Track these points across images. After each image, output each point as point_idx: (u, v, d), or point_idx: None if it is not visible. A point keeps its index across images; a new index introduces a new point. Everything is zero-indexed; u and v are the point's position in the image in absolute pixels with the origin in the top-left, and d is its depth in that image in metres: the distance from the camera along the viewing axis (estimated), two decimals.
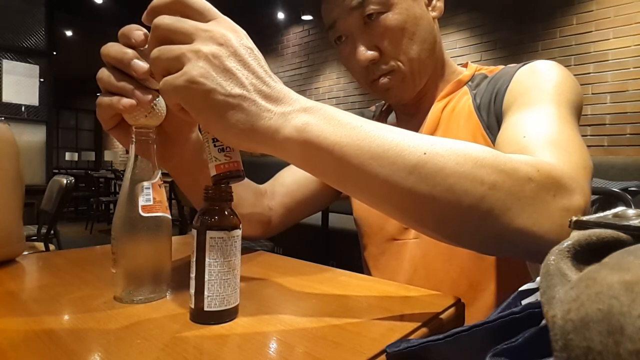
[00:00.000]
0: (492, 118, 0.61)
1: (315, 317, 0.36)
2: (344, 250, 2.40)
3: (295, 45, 5.46)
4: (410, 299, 0.43)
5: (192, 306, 0.34)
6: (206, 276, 0.33)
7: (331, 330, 0.34)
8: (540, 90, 0.54)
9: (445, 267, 0.61)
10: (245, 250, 0.61)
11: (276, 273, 0.51)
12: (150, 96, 0.38)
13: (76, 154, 9.44)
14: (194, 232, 0.34)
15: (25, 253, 0.56)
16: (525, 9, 3.44)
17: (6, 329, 0.32)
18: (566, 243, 0.19)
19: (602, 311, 0.12)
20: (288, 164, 0.51)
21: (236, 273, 0.34)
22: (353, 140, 0.33)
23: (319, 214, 2.51)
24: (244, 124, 0.33)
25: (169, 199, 3.37)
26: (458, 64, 0.72)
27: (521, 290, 0.26)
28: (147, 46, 0.37)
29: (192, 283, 0.34)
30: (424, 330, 0.35)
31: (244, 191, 0.62)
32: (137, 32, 0.38)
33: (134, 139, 0.39)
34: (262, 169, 1.50)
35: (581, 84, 0.98)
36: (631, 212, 0.21)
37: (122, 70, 0.38)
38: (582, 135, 0.48)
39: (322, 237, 2.61)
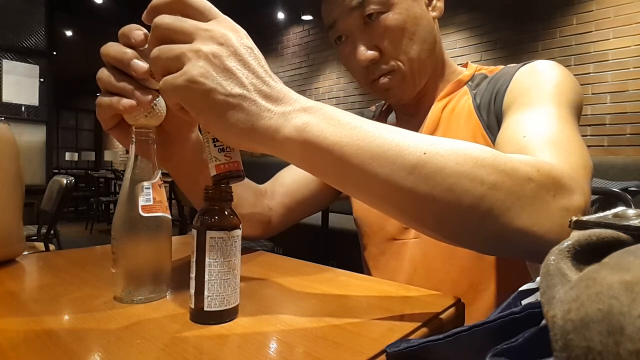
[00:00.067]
0: (492, 118, 0.61)
1: (315, 317, 0.36)
2: (344, 250, 2.40)
3: (295, 45, 5.46)
4: (410, 299, 0.43)
5: (192, 306, 0.34)
6: (206, 276, 0.33)
7: (331, 330, 0.34)
8: (540, 90, 0.54)
9: (445, 267, 0.61)
10: (245, 250, 0.61)
11: (276, 273, 0.51)
12: (150, 96, 0.38)
13: (76, 154, 9.44)
14: (194, 232, 0.34)
15: (25, 253, 0.56)
16: (525, 9, 3.44)
17: (6, 329, 0.32)
18: (566, 243, 0.19)
19: (602, 311, 0.12)
20: (288, 164, 0.51)
21: (236, 273, 0.34)
22: (353, 140, 0.33)
23: (319, 214, 2.51)
24: (244, 123, 0.33)
25: (169, 199, 3.37)
26: (458, 64, 0.72)
27: (521, 290, 0.26)
28: (147, 46, 0.37)
29: (192, 283, 0.34)
30: (424, 330, 0.35)
31: (244, 191, 0.62)
32: (136, 31, 0.38)
33: (134, 139, 0.39)
34: (262, 169, 1.50)
35: (581, 84, 0.98)
36: (631, 212, 0.21)
37: (122, 70, 0.38)
38: (582, 135, 0.48)
39: (322, 237, 2.61)
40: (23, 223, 0.54)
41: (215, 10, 0.36)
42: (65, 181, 2.22)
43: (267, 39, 5.70)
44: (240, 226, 0.35)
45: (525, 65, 0.60)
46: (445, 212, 0.35)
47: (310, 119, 0.34)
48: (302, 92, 4.94)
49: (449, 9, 0.77)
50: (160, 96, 0.40)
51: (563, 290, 0.15)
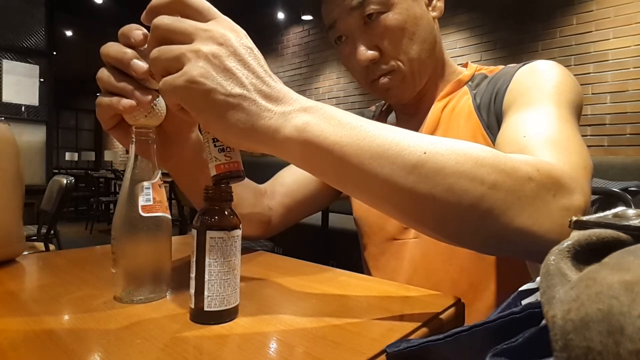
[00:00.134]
0: (492, 118, 0.61)
1: (315, 317, 0.36)
2: (344, 250, 2.40)
3: (295, 45, 5.46)
4: (410, 299, 0.43)
5: (192, 306, 0.34)
6: (206, 276, 0.33)
7: (331, 330, 0.34)
8: (540, 90, 0.54)
9: (445, 267, 0.61)
10: (245, 250, 0.61)
11: (276, 273, 0.51)
12: (150, 96, 0.38)
13: (76, 154, 9.44)
14: (194, 232, 0.34)
15: (25, 253, 0.56)
16: (525, 9, 3.44)
17: (6, 329, 0.32)
18: (566, 243, 0.19)
19: (602, 311, 0.12)
20: (288, 164, 0.51)
21: (236, 273, 0.34)
22: (353, 140, 0.33)
23: (319, 214, 2.51)
24: (244, 123, 0.33)
25: (169, 199, 3.37)
26: (458, 64, 0.72)
27: (521, 290, 0.26)
28: (146, 46, 0.37)
29: (192, 283, 0.34)
30: (424, 330, 0.35)
31: (244, 191, 0.62)
32: (136, 31, 0.38)
33: (134, 139, 0.39)
34: (262, 169, 1.50)
35: (581, 84, 0.98)
36: (631, 212, 0.21)
37: (121, 70, 0.38)
38: (582, 135, 0.48)
39: (322, 237, 2.61)
40: (23, 223, 0.54)
41: (214, 10, 0.36)
42: (65, 181, 2.22)
43: (267, 39, 5.70)
44: (240, 226, 0.35)
45: (525, 65, 0.60)
46: (446, 211, 0.35)
47: (311, 118, 0.34)
48: (302, 92, 4.94)
49: (449, 9, 0.77)
50: (160, 96, 0.40)
51: (563, 290, 0.15)
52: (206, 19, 0.35)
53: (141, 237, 0.38)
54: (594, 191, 1.06)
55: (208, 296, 0.33)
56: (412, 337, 0.34)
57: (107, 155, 9.53)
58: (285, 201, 0.70)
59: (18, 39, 3.46)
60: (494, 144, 0.56)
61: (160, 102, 0.40)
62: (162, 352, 0.29)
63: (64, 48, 6.95)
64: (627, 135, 2.96)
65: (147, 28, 0.37)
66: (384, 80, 0.64)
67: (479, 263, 0.60)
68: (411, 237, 0.65)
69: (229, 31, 0.34)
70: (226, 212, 0.35)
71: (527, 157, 0.39)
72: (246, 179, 0.46)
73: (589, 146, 0.51)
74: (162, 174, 0.41)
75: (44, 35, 3.59)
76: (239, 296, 0.35)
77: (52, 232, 2.30)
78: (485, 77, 0.66)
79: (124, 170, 0.41)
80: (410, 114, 0.72)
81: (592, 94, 3.09)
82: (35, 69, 3.54)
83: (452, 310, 0.40)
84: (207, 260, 0.33)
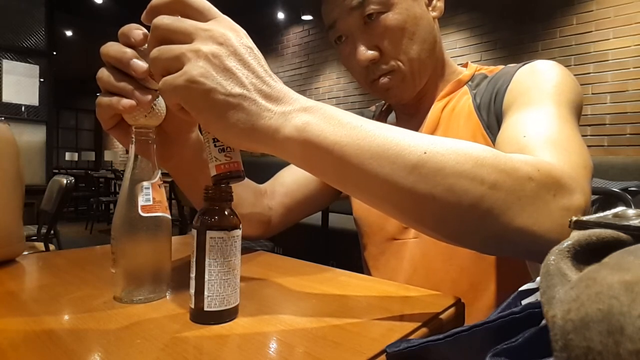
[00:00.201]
0: (492, 118, 0.61)
1: (315, 317, 0.36)
2: (344, 250, 2.40)
3: (295, 45, 5.46)
4: (410, 299, 0.43)
5: (192, 306, 0.34)
6: (206, 276, 0.33)
7: (331, 330, 0.33)
8: (540, 90, 0.54)
9: (445, 267, 0.61)
10: (245, 250, 0.61)
11: (276, 273, 0.51)
12: (150, 96, 0.38)
13: (76, 154, 9.45)
14: (194, 232, 0.34)
15: (25, 253, 0.56)
16: (525, 9, 3.44)
17: (6, 329, 0.32)
18: (566, 243, 0.19)
19: (602, 311, 0.12)
20: (288, 164, 0.51)
21: (236, 273, 0.34)
22: (353, 140, 0.33)
23: (319, 214, 2.51)
24: (244, 123, 0.33)
25: (169, 199, 3.37)
26: (458, 64, 0.72)
27: (521, 290, 0.26)
28: (146, 46, 0.37)
29: (192, 283, 0.34)
30: (424, 330, 0.35)
31: (244, 191, 0.62)
32: (136, 31, 0.38)
33: (133, 139, 0.39)
34: (262, 169, 1.50)
35: (581, 84, 0.98)
36: (631, 212, 0.21)
37: (121, 70, 0.38)
38: (582, 135, 0.48)
39: (322, 237, 2.61)
40: (23, 223, 0.54)
41: (214, 10, 0.36)
42: (65, 181, 2.22)
43: (267, 39, 5.70)
44: (240, 226, 0.35)
45: (526, 65, 0.60)
46: (446, 211, 0.35)
47: (311, 118, 0.34)
48: (302, 92, 4.93)
49: (449, 9, 0.77)
50: (160, 96, 0.40)
51: (563, 290, 0.15)
52: (206, 19, 0.35)
53: (141, 237, 0.38)
54: (594, 191, 1.06)
55: (208, 296, 0.33)
56: (412, 337, 0.34)
57: (107, 155, 9.53)
58: (285, 201, 0.70)
59: (18, 39, 3.46)
60: (494, 144, 0.56)
61: (160, 102, 0.40)
62: (162, 352, 0.29)
63: (64, 48, 6.95)
64: (627, 135, 2.96)
65: (147, 28, 0.37)
66: (384, 80, 0.64)
67: (479, 263, 0.60)
68: (411, 237, 0.65)
69: (229, 31, 0.34)
70: (226, 212, 0.35)
71: (528, 157, 0.39)
72: (246, 179, 0.46)
73: (589, 146, 0.51)
74: (162, 174, 0.41)
75: (44, 35, 3.59)
76: (239, 296, 0.35)
77: (52, 232, 2.30)
78: (485, 77, 0.66)
79: (124, 170, 0.41)
80: (410, 114, 0.72)
81: (592, 94, 3.09)
82: (35, 69, 3.54)
83: (452, 310, 0.40)
84: (207, 260, 0.33)
